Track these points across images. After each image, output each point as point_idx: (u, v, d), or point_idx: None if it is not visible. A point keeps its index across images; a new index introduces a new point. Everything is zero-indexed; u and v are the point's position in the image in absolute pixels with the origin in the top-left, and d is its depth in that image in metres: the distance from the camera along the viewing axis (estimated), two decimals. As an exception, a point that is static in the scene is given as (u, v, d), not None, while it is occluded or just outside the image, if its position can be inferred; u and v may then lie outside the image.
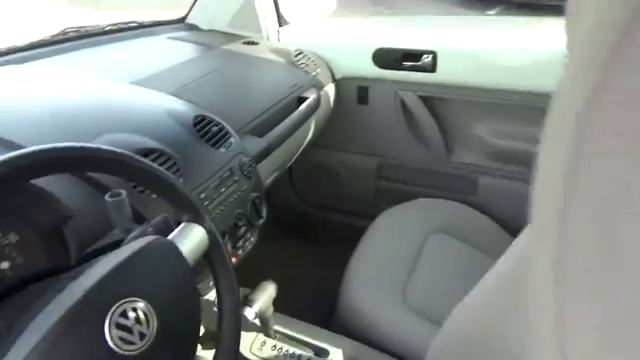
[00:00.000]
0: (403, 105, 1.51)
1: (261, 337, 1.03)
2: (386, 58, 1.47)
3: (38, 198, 0.63)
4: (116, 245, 0.60)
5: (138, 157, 0.58)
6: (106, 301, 0.47)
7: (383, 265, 1.16)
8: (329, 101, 1.56)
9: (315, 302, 1.29)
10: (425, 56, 1.40)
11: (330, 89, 1.56)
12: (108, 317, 0.46)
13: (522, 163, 1.41)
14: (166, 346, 0.50)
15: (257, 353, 0.99)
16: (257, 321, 1.02)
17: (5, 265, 0.62)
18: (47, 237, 0.66)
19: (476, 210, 1.39)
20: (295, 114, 1.25)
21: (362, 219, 1.51)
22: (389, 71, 1.48)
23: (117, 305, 0.47)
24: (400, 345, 0.99)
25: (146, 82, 1.08)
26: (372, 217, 1.36)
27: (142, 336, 0.48)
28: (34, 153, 0.48)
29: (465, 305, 0.65)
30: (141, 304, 0.49)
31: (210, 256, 0.65)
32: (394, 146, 1.59)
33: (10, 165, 0.46)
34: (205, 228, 0.64)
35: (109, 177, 0.75)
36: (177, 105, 0.98)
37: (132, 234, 0.63)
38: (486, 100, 1.39)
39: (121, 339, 0.46)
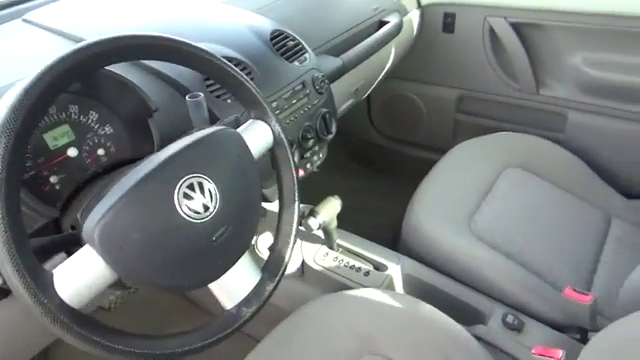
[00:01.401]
0: (492, 33, 1.42)
1: (324, 249, 1.09)
2: None
3: (129, 91, 0.70)
4: None
5: (214, 53, 0.62)
6: (176, 173, 0.53)
7: (452, 192, 1.15)
8: (412, 28, 1.51)
9: (381, 231, 1.32)
10: (521, -24, 1.29)
11: (415, 16, 1.50)
12: (177, 186, 0.52)
13: (620, 98, 1.29)
14: (226, 222, 0.56)
15: (320, 262, 1.06)
16: (321, 233, 1.08)
17: (101, 152, 0.72)
18: (135, 129, 0.74)
19: (562, 147, 1.31)
20: (374, 37, 1.23)
21: (438, 153, 1.49)
22: (480, -5, 1.39)
23: (185, 177, 0.53)
24: (461, 268, 1.00)
25: (233, 1, 1.12)
26: None
27: (206, 208, 0.54)
28: (120, 37, 0.53)
29: None
30: (206, 180, 0.54)
31: (274, 153, 0.69)
32: (478, 78, 1.52)
33: (101, 46, 0.51)
34: (270, 126, 0.68)
35: (188, 80, 0.82)
36: (257, 21, 1.01)
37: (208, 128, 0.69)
38: (586, 26, 1.26)
39: (188, 207, 0.52)
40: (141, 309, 1.17)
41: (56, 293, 0.46)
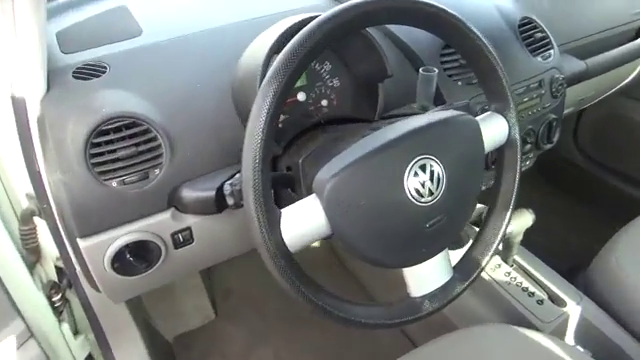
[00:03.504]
0: None
1: (497, 259, 1.01)
2: None
3: (371, 52, 0.69)
4: None
5: (477, 31, 0.58)
6: (414, 149, 0.51)
7: None
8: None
9: (556, 258, 1.18)
10: None
11: (682, 29, 1.26)
12: (411, 163, 0.50)
13: None
14: (444, 211, 0.53)
15: (490, 273, 0.99)
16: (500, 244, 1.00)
17: (324, 103, 0.74)
18: (361, 89, 0.74)
19: None
20: (629, 46, 1.07)
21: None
22: None
23: (421, 157, 0.51)
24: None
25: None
26: None
27: (430, 193, 0.51)
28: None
29: None
30: (437, 165, 0.51)
31: (502, 152, 0.63)
32: None
33: (362, 7, 0.50)
34: (509, 124, 0.62)
35: (424, 53, 0.79)
36: (507, 3, 0.93)
37: (437, 108, 0.65)
38: None
39: (414, 187, 0.50)
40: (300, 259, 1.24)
41: (280, 232, 0.48)
